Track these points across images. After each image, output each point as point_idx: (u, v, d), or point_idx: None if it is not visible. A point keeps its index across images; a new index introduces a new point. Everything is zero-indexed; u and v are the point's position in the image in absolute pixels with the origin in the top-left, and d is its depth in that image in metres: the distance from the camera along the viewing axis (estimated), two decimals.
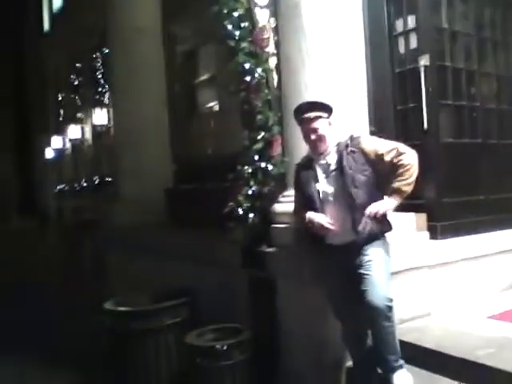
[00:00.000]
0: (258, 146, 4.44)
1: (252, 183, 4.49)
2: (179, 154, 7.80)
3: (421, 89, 4.73)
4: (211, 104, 7.54)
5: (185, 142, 7.85)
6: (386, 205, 3.33)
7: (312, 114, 3.46)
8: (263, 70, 4.45)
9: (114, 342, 4.53)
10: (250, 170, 4.50)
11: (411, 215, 4.23)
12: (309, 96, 3.95)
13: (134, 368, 4.39)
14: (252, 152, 4.47)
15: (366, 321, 3.33)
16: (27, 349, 5.99)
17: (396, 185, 3.34)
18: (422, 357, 3.35)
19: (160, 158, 7.63)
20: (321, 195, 3.43)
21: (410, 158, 3.35)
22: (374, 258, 3.32)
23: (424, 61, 4.72)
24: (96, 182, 13.47)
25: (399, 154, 3.34)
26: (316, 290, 3.70)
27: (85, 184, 14.81)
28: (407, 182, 3.32)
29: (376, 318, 3.22)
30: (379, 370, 3.44)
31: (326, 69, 4.08)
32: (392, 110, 5.01)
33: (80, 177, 15.58)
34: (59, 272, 10.22)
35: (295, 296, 3.97)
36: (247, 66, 4.46)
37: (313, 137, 3.46)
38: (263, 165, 4.44)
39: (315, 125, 3.45)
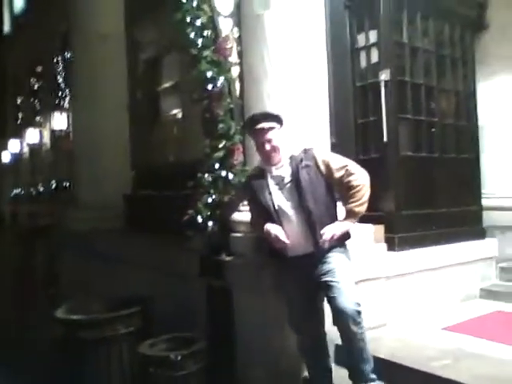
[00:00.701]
0: (219, 154, 4.41)
1: (212, 191, 4.46)
2: (139, 160, 7.70)
3: (381, 103, 4.81)
4: (173, 112, 7.46)
5: (145, 148, 7.75)
6: (340, 228, 3.33)
7: (266, 125, 3.43)
8: (226, 79, 4.43)
9: (65, 351, 4.41)
10: (210, 179, 4.47)
11: (369, 227, 4.26)
12: (271, 105, 3.95)
13: (86, 377, 4.26)
14: (213, 160, 4.44)
15: (338, 327, 3.30)
16: None
17: (348, 207, 3.36)
18: (377, 368, 3.36)
19: (119, 164, 7.51)
20: (276, 207, 3.41)
21: (360, 178, 3.36)
22: (337, 265, 3.33)
23: (385, 75, 4.80)
24: (53, 187, 13.20)
25: (349, 174, 3.35)
26: (274, 299, 3.69)
27: (41, 189, 14.51)
28: (359, 203, 3.33)
29: (346, 323, 3.21)
30: None
31: (289, 79, 4.08)
32: (353, 122, 5.09)
33: (37, 181, 15.26)
34: (11, 278, 9.95)
35: (252, 305, 3.93)
36: (209, 74, 4.44)
37: (267, 147, 3.43)
38: (224, 173, 4.40)
39: (269, 136, 3.42)
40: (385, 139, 4.76)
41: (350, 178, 3.34)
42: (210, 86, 4.42)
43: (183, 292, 4.74)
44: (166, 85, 7.56)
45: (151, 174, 7.10)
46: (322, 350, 3.54)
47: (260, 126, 3.43)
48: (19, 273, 9.74)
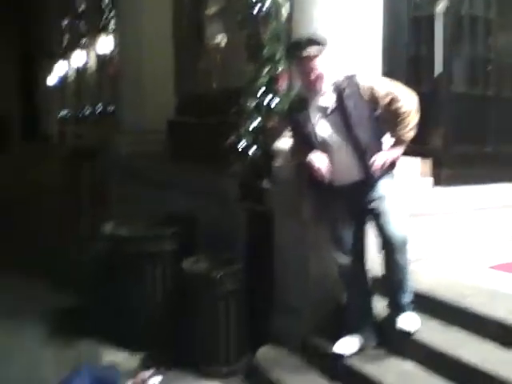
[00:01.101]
0: (264, 80, 4.34)
1: (255, 118, 4.42)
2: (183, 86, 7.68)
3: (434, 36, 4.61)
4: (218, 38, 7.35)
5: (189, 74, 7.71)
6: (390, 155, 3.28)
7: (311, 52, 3.24)
8: (273, 2, 4.29)
9: (111, 266, 4.57)
10: (253, 105, 4.42)
11: (417, 160, 4.18)
12: (320, 29, 3.78)
13: (131, 292, 4.43)
14: (257, 86, 4.37)
15: (384, 254, 3.33)
16: (24, 273, 6.01)
17: (397, 134, 3.28)
18: (416, 300, 3.38)
19: (163, 89, 7.52)
20: (319, 137, 3.33)
21: (407, 104, 3.23)
22: (386, 192, 3.31)
23: (441, 7, 4.58)
24: (99, 110, 13.34)
25: (396, 100, 3.23)
26: (313, 227, 3.71)
27: (88, 111, 14.66)
28: (407, 129, 3.25)
29: (392, 251, 3.25)
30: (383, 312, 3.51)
31: (339, 3, 3.91)
32: (404, 54, 4.90)
33: (83, 104, 15.42)
34: (59, 197, 10.24)
35: (292, 231, 3.96)
36: None
37: (312, 76, 3.27)
38: (267, 99, 4.36)
39: (314, 63, 3.25)
40: (436, 73, 4.59)
41: (398, 105, 3.22)
42: (256, 9, 4.31)
43: (224, 216, 4.81)
44: (212, 9, 7.43)
45: (194, 101, 7.08)
46: (364, 274, 3.57)
47: (305, 53, 3.25)
48: (66, 193, 9.99)
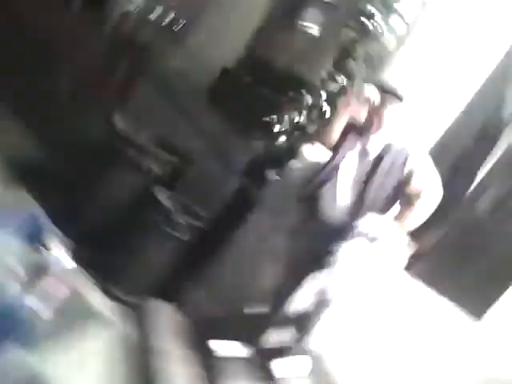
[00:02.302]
0: (334, 88, 4.31)
1: (303, 114, 4.37)
2: (258, 45, 7.47)
3: None
4: (313, 24, 7.22)
5: (269, 39, 7.53)
6: (381, 224, 3.19)
7: (389, 101, 3.18)
8: (389, 30, 4.33)
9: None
10: (310, 101, 4.39)
11: None
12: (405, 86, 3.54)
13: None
14: (324, 89, 4.36)
15: None
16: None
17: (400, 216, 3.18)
18: None
19: (239, 35, 7.28)
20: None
21: (427, 188, 3.10)
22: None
23: None
24: (168, 19, 13.09)
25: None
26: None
27: (156, 15, 14.34)
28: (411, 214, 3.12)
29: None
30: None
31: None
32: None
33: (154, 5, 15.08)
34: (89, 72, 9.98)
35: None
36: (370, 8, 4.37)
37: (374, 121, 3.26)
38: (324, 106, 4.28)
39: (384, 111, 3.21)
40: None
41: (418, 193, 3.10)
42: (371, 25, 4.22)
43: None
44: None
45: (260, 64, 6.94)
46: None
47: (389, 104, 3.20)
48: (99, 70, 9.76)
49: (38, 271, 2.74)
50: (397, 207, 3.29)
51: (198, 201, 4.38)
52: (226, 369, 3.36)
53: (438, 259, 4.47)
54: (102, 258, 4.12)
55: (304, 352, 3.44)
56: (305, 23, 7.63)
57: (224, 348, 3.48)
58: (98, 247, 4.14)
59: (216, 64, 7.11)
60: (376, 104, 3.25)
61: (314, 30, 7.32)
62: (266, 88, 5.91)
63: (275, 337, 3.46)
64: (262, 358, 3.41)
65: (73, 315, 3.23)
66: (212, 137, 5.34)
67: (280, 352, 3.38)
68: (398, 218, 3.19)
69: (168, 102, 6.46)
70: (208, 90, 7.07)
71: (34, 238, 2.79)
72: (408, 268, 4.26)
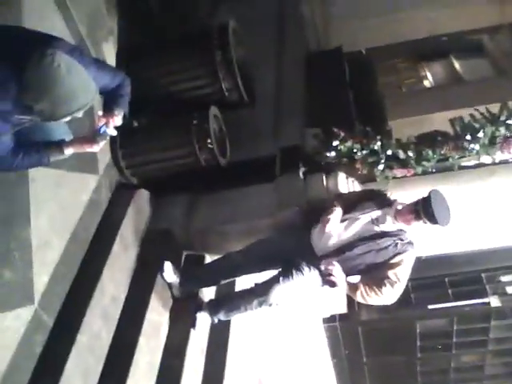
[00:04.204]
0: (390, 147, 4.35)
1: (342, 151, 4.37)
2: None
3: None
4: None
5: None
6: (341, 278, 3.48)
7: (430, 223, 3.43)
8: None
9: None
10: (350, 144, 4.34)
11: None
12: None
13: None
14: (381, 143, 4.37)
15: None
16: None
17: (359, 285, 3.50)
18: None
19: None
20: (352, 220, 3.59)
21: (388, 293, 3.44)
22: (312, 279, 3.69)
23: None
24: None
25: (389, 283, 3.41)
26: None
27: None
28: (365, 295, 3.48)
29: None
30: None
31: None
32: None
33: None
34: None
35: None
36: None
37: (408, 222, 3.51)
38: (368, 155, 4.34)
39: (418, 220, 3.46)
40: None
41: (384, 283, 3.43)
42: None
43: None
44: None
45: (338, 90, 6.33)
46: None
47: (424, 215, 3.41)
48: None
49: None
50: (358, 278, 3.58)
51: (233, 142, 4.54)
52: None
53: None
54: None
55: None
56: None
57: None
58: None
59: None
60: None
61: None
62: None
63: None
64: None
65: None
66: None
67: None
68: (357, 287, 3.48)
69: None
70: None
71: None
72: None
